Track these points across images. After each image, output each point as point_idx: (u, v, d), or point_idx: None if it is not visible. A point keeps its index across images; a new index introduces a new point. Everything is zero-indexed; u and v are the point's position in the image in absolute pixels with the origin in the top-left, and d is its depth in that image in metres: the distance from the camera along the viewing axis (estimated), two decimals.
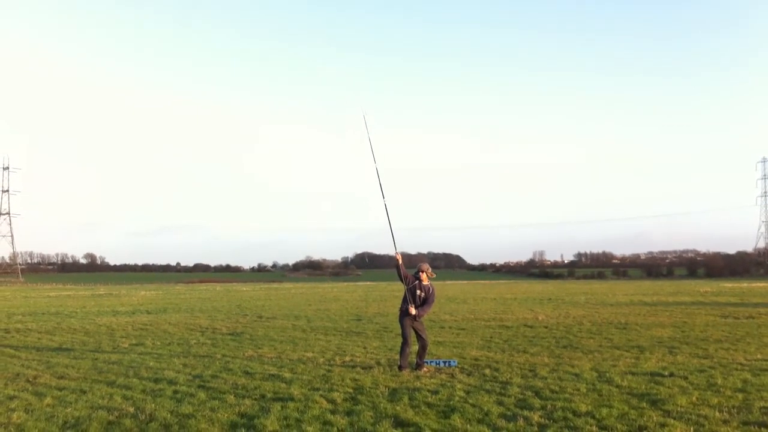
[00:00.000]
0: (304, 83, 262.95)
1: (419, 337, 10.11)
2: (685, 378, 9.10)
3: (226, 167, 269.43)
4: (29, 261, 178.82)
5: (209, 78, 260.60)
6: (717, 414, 6.92)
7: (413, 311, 9.93)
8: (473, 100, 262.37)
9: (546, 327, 17.19)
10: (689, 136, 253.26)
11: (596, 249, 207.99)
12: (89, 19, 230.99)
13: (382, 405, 7.43)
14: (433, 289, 10.32)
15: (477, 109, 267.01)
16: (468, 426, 6.48)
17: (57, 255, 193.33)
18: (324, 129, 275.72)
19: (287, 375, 9.58)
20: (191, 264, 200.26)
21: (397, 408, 7.27)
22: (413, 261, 10.55)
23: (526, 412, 7.03)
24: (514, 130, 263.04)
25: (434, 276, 10.46)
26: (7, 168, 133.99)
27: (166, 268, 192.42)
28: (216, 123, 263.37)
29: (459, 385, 8.64)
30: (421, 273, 10.24)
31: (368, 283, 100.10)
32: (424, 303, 10.15)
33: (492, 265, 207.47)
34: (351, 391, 8.33)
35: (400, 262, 10.12)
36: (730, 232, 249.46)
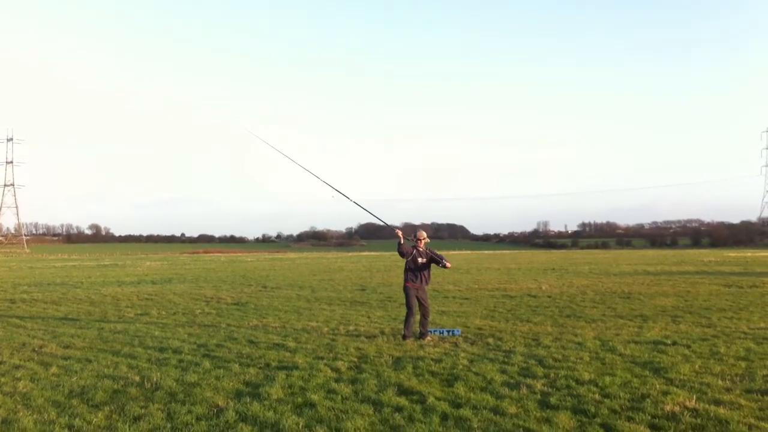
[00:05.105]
0: (304, 81, 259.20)
1: (421, 306, 10.14)
2: (688, 347, 9.12)
3: (230, 139, 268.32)
4: (34, 232, 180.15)
5: (212, 53, 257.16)
6: (719, 382, 6.93)
7: (448, 264, 10.08)
8: (476, 85, 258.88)
9: (549, 296, 17.24)
10: (694, 106, 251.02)
11: (600, 219, 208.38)
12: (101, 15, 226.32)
13: (386, 374, 7.47)
14: (431, 249, 10.40)
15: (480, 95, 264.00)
16: (471, 394, 6.51)
17: (62, 226, 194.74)
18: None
19: (292, 344, 9.64)
20: (196, 235, 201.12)
21: (401, 376, 7.31)
22: (415, 231, 10.52)
23: (529, 381, 7.06)
24: (520, 100, 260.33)
25: (428, 242, 10.52)
26: (11, 139, 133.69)
27: (170, 239, 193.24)
28: (220, 99, 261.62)
29: (462, 354, 8.68)
30: (419, 241, 10.26)
31: (372, 253, 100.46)
32: (436, 261, 10.18)
33: (496, 236, 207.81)
34: (355, 360, 8.38)
35: (402, 239, 10.11)
36: (734, 202, 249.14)
